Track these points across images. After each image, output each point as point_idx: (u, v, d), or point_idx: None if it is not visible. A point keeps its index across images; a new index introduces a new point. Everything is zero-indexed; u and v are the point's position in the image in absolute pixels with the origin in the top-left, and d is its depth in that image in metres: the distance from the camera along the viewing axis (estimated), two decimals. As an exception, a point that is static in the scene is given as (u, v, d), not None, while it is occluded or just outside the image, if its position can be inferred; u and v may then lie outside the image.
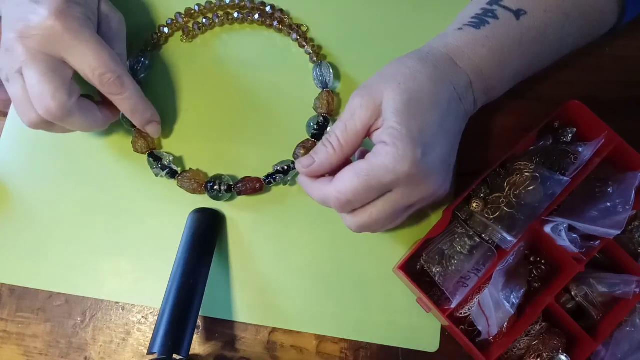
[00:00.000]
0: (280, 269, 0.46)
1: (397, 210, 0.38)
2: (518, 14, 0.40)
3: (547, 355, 0.41)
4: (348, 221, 0.39)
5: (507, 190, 0.43)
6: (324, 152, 0.38)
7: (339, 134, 0.38)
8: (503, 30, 0.40)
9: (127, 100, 0.43)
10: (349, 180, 0.36)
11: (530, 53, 0.41)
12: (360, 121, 0.37)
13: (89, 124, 0.43)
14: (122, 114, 0.48)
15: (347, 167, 0.37)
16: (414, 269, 0.45)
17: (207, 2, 0.51)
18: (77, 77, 0.41)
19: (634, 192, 0.41)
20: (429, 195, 0.37)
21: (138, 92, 0.44)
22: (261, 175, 0.47)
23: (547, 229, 0.41)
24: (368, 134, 0.38)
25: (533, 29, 0.40)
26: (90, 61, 0.39)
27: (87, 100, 0.43)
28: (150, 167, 0.48)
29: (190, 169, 0.48)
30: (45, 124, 0.41)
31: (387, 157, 0.35)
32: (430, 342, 0.44)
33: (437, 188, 0.37)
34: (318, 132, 0.47)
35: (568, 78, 0.50)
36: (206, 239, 0.45)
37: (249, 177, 0.47)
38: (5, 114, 0.51)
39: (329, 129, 0.47)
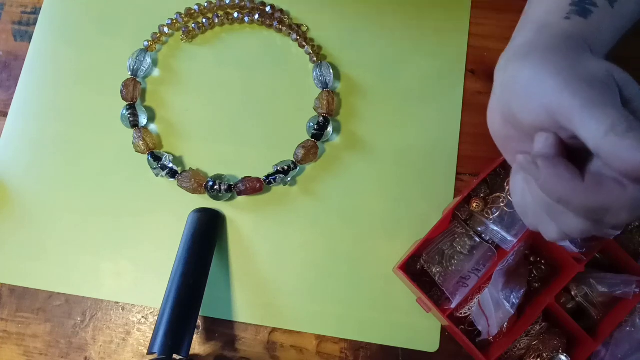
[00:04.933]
0: (281, 269, 0.46)
1: None
2: (611, 1, 0.38)
3: (547, 355, 0.41)
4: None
5: (507, 190, 0.43)
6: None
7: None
8: (607, 19, 0.37)
9: None
10: (577, 224, 0.29)
11: (616, 41, 0.39)
12: None
13: None
14: (122, 114, 0.48)
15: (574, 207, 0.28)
16: (414, 269, 0.45)
17: (207, 2, 0.51)
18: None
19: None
20: None
21: None
22: (261, 175, 0.47)
23: (547, 229, 0.41)
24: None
25: (624, 16, 0.38)
26: None
27: None
28: (150, 167, 0.48)
29: (190, 169, 0.48)
30: None
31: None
32: (430, 342, 0.44)
33: None
34: (318, 132, 0.47)
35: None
36: (206, 239, 0.45)
37: (249, 177, 0.47)
38: (5, 114, 0.51)
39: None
